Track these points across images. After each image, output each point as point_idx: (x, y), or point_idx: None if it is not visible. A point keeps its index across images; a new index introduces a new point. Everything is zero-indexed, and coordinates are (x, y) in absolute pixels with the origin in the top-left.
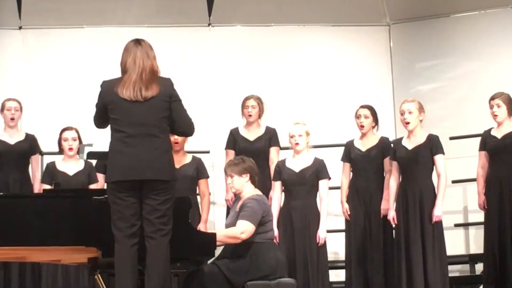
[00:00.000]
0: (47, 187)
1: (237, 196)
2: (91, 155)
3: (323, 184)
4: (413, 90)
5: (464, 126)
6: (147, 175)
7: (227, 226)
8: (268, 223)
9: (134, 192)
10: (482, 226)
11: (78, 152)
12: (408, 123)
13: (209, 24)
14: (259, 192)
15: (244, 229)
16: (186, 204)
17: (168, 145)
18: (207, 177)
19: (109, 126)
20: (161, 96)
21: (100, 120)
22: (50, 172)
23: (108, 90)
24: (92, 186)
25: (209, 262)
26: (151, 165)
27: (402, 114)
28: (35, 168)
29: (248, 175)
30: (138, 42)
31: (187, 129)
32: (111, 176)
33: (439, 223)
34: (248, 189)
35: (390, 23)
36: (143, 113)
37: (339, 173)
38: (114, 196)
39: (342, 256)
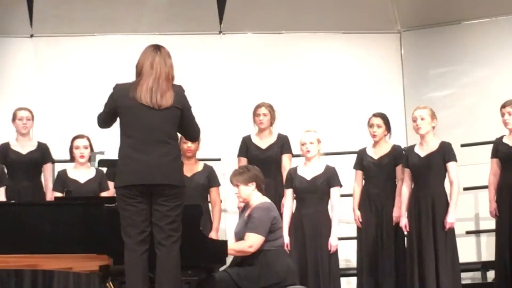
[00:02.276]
0: (59, 194)
1: (246, 204)
2: (102, 163)
3: (334, 191)
4: (424, 97)
5: (475, 133)
6: (157, 179)
7: (236, 234)
8: (278, 230)
9: (144, 198)
10: (494, 233)
11: (89, 160)
12: (420, 128)
13: (220, 32)
14: (267, 200)
15: (252, 242)
16: (197, 211)
17: (178, 151)
18: (219, 185)
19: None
20: (174, 106)
21: (107, 121)
22: (62, 180)
23: (121, 94)
24: (103, 194)
25: (220, 269)
26: (161, 171)
27: (414, 120)
28: (47, 177)
29: (254, 183)
30: (157, 48)
31: (194, 136)
32: (120, 181)
33: (452, 230)
34: (255, 197)
35: (401, 30)
36: (156, 120)
37: (351, 181)
38: (124, 202)
39: (353, 263)
